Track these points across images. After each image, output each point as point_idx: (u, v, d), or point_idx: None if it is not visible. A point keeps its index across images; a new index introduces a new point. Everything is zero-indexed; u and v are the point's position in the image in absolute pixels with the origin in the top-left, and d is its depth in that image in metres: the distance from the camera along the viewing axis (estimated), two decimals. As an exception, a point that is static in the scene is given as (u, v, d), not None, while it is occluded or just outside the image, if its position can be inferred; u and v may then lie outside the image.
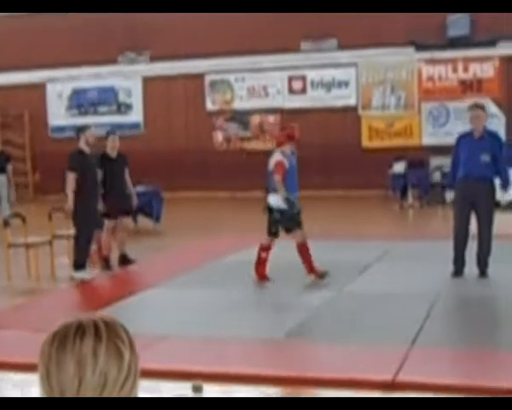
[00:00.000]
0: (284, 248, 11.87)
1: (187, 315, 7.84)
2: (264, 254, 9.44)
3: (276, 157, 9.16)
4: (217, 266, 10.61)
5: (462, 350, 6.51)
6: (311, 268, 9.24)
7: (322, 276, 9.22)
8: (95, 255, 10.77)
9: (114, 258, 10.87)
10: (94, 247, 10.64)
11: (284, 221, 9.23)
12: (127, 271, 10.77)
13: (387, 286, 8.93)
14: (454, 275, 9.17)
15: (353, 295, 8.61)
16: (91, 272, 10.13)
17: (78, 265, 9.94)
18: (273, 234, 9.41)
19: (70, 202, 9.85)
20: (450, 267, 9.23)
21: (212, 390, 5.42)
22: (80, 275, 9.91)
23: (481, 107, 9.43)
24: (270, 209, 9.27)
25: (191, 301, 8.54)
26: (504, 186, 9.35)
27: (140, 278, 10.39)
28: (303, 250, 9.29)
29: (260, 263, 9.44)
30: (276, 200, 9.17)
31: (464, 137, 9.35)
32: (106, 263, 10.69)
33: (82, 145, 10.08)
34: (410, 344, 6.49)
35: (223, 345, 6.73)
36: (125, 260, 10.94)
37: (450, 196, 9.77)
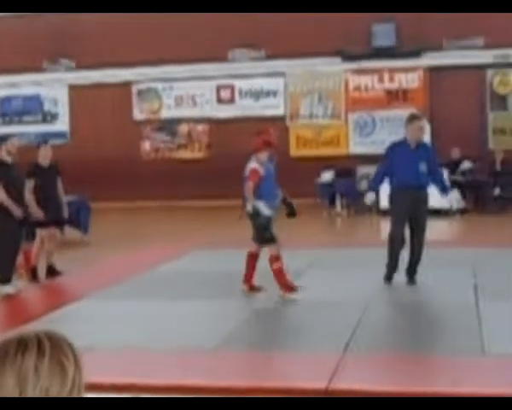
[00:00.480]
0: (213, 258, 11.86)
1: (116, 327, 7.70)
2: (278, 265, 8.97)
3: (252, 164, 8.90)
4: (148, 276, 10.47)
5: (394, 356, 6.55)
6: (247, 279, 9.12)
7: (254, 290, 9.08)
8: (21, 268, 10.52)
9: (41, 269, 10.65)
10: (20, 259, 10.40)
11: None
12: (55, 283, 10.56)
13: (319, 294, 8.94)
14: (387, 280, 9.23)
15: (285, 303, 8.59)
16: (17, 286, 9.87)
17: (3, 279, 9.67)
18: (262, 241, 9.09)
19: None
20: (381, 274, 9.31)
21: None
22: (5, 290, 9.65)
23: (421, 118, 9.59)
24: (251, 217, 9.00)
25: (121, 312, 8.39)
26: (445, 191, 9.52)
27: (68, 290, 10.20)
28: (250, 260, 9.17)
29: (281, 276, 8.94)
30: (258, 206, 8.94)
31: (399, 147, 9.38)
32: (33, 274, 10.46)
33: (3, 155, 9.84)
34: (342, 351, 6.50)
35: (151, 356, 6.64)
36: (52, 272, 10.73)
37: (370, 198, 9.80)
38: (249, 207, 8.91)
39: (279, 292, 8.76)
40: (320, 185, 19.30)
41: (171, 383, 5.92)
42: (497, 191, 17.97)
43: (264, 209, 8.90)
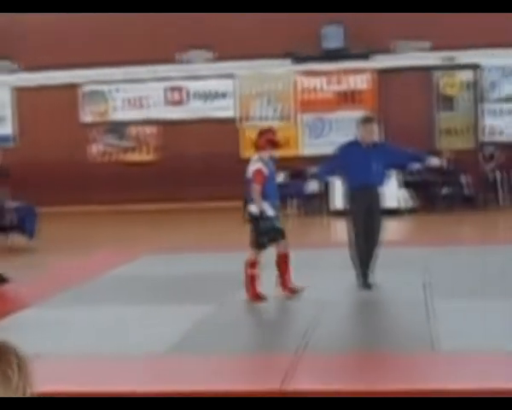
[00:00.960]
0: (164, 263, 11.77)
1: (65, 334, 7.57)
2: (253, 271, 8.73)
3: (256, 165, 8.63)
4: (98, 282, 10.33)
5: (346, 355, 6.55)
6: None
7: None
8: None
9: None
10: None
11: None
12: (2, 290, 10.36)
13: (270, 296, 8.90)
14: (366, 287, 9.08)
15: (236, 306, 8.55)
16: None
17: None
18: (261, 246, 8.74)
19: None
20: (334, 275, 9.30)
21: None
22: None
23: (374, 120, 9.54)
24: (254, 219, 8.67)
25: (70, 319, 8.25)
26: (424, 160, 9.68)
27: (15, 298, 10.00)
28: (281, 263, 8.87)
29: (251, 282, 8.71)
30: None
31: (351, 147, 9.34)
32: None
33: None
34: (298, 352, 6.48)
35: (101, 362, 6.54)
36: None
37: (313, 187, 9.81)
38: (255, 210, 8.62)
39: (246, 296, 8.59)
40: (270, 187, 19.26)
41: (121, 390, 5.84)
42: (444, 190, 18.16)
43: (269, 211, 8.65)
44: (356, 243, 9.16)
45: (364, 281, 9.08)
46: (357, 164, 9.11)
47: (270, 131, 9.13)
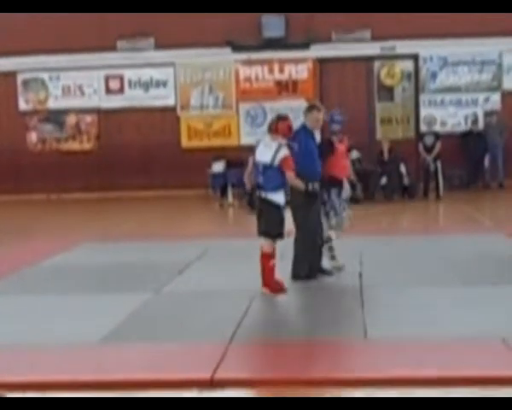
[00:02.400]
0: (103, 251, 11.68)
1: (0, 323, 7.47)
2: (273, 263, 8.35)
3: (283, 151, 8.20)
4: (35, 270, 10.19)
5: (279, 343, 6.56)
6: (268, 281, 8.34)
7: (278, 291, 8.33)
8: None
9: None
10: None
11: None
12: None
13: (207, 285, 8.90)
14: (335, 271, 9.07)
15: (172, 295, 8.52)
16: None
17: None
18: (278, 235, 8.36)
19: None
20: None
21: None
22: None
23: (322, 109, 9.17)
24: (276, 208, 8.29)
25: (5, 308, 8.14)
26: None
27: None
28: (265, 262, 8.38)
29: (269, 274, 8.35)
30: (281, 198, 8.31)
31: (303, 134, 8.94)
32: None
33: None
34: (228, 341, 6.47)
35: (33, 352, 6.46)
36: None
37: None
38: (278, 199, 8.24)
39: (264, 290, 8.32)
40: (211, 176, 19.28)
41: (52, 379, 5.78)
42: (383, 180, 18.31)
43: (283, 199, 8.37)
44: (312, 232, 8.94)
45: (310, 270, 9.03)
46: (309, 152, 8.84)
47: (288, 118, 8.63)
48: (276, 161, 8.18)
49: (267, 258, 8.32)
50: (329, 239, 9.43)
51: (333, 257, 9.43)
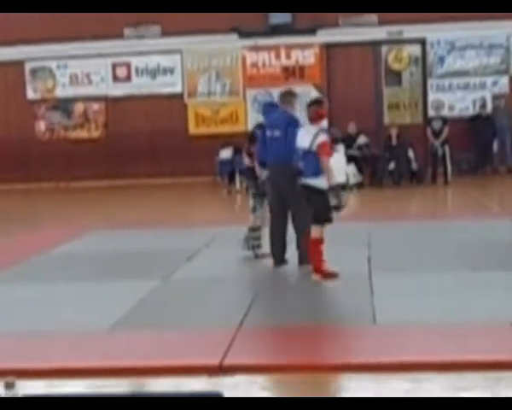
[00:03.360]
0: (111, 239, 11.71)
1: (9, 311, 7.51)
2: (321, 248, 8.23)
3: (322, 137, 8.13)
4: (43, 258, 10.24)
5: (288, 329, 6.58)
6: (318, 267, 8.26)
7: (329, 276, 8.23)
8: None
9: None
10: None
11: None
12: None
13: (215, 272, 8.92)
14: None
15: (181, 282, 8.55)
16: None
17: None
18: (327, 220, 8.25)
19: None
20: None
21: (34, 386, 5.20)
22: None
23: (294, 94, 9.15)
24: (321, 193, 8.14)
25: (14, 296, 8.17)
26: None
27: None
28: (315, 247, 8.25)
29: (319, 259, 8.23)
30: (322, 182, 8.13)
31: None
32: None
33: None
34: (237, 328, 6.50)
35: (44, 340, 6.50)
36: None
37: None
38: (322, 184, 8.08)
39: (315, 277, 8.23)
40: (219, 163, 19.29)
41: (63, 366, 5.81)
42: (391, 165, 18.28)
43: (325, 183, 8.19)
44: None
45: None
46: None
47: (323, 101, 8.74)
48: (314, 146, 8.10)
49: (316, 244, 8.19)
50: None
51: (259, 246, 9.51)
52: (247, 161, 10.09)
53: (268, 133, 8.94)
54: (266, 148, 8.99)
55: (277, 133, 8.79)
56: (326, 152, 8.15)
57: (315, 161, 8.11)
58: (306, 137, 8.20)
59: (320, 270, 8.23)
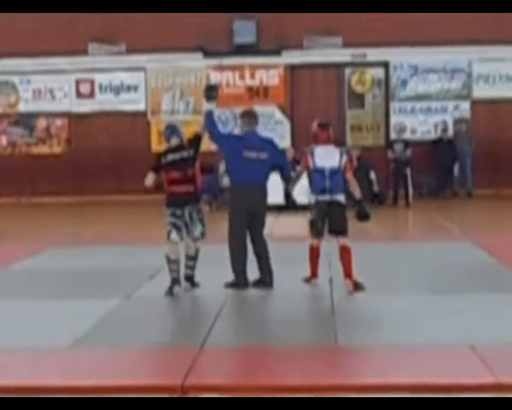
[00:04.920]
0: (71, 256, 11.61)
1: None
2: (351, 256, 8.87)
3: (345, 157, 8.91)
4: (2, 275, 10.12)
5: (249, 350, 6.57)
6: (350, 274, 8.78)
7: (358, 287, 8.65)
8: None
9: None
10: None
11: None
12: None
13: (177, 290, 8.87)
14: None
15: (142, 300, 8.49)
16: None
17: None
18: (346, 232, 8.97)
19: None
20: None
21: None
22: None
23: (257, 115, 9.34)
24: (344, 208, 8.85)
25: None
26: None
27: None
28: (347, 255, 8.86)
29: (351, 267, 8.82)
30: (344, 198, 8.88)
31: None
32: None
33: None
34: (199, 346, 6.48)
35: (1, 356, 6.42)
36: None
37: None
38: (344, 199, 8.84)
39: (350, 287, 8.65)
40: (182, 181, 19.23)
41: (21, 384, 5.74)
42: (354, 187, 18.35)
43: None
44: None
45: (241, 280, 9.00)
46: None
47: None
48: (342, 165, 8.76)
49: (349, 252, 8.79)
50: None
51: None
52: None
53: (250, 154, 8.93)
54: (234, 166, 8.97)
55: (264, 155, 8.93)
56: (351, 169, 8.97)
57: (341, 178, 8.78)
58: (331, 157, 8.75)
59: (352, 275, 8.72)
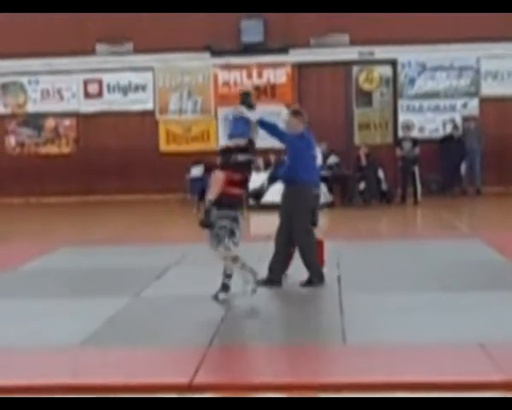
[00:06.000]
0: (81, 256, 11.65)
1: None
2: None
3: None
4: (12, 274, 10.15)
5: (258, 348, 6.58)
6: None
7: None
8: None
9: None
10: None
11: None
12: None
13: (185, 289, 8.90)
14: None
15: (150, 300, 8.51)
16: None
17: None
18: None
19: None
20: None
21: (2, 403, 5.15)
22: None
23: (296, 113, 9.14)
24: None
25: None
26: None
27: None
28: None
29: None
30: None
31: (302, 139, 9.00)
32: None
33: None
34: (207, 346, 6.48)
35: (10, 356, 6.43)
36: None
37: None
38: None
39: None
40: (190, 181, 19.27)
41: (31, 383, 5.75)
42: (362, 185, 18.38)
43: None
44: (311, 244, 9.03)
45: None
46: (309, 158, 9.02)
47: None
48: None
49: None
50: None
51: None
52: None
53: (310, 152, 8.99)
54: (304, 165, 8.89)
55: (315, 152, 9.19)
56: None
57: None
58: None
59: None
